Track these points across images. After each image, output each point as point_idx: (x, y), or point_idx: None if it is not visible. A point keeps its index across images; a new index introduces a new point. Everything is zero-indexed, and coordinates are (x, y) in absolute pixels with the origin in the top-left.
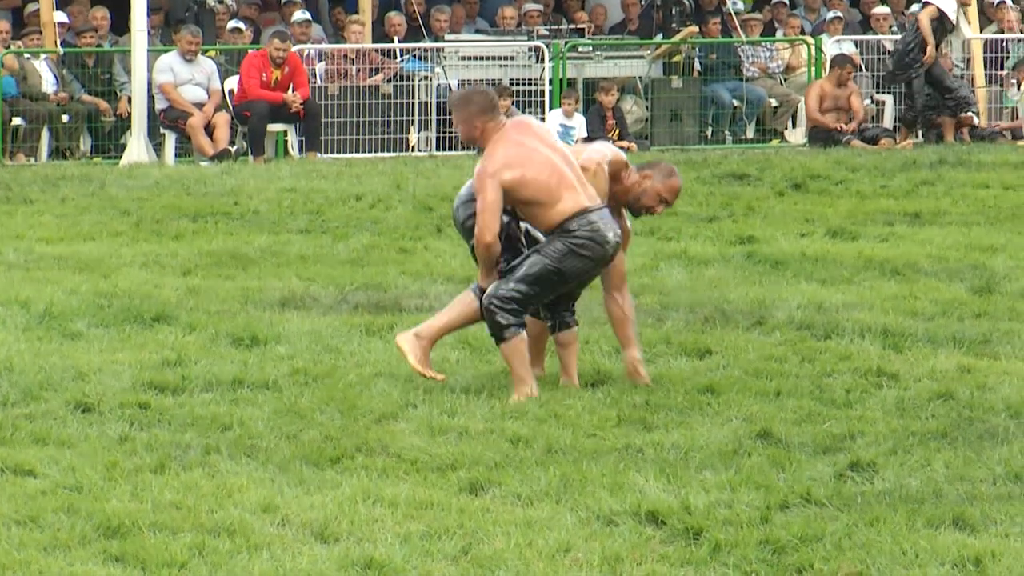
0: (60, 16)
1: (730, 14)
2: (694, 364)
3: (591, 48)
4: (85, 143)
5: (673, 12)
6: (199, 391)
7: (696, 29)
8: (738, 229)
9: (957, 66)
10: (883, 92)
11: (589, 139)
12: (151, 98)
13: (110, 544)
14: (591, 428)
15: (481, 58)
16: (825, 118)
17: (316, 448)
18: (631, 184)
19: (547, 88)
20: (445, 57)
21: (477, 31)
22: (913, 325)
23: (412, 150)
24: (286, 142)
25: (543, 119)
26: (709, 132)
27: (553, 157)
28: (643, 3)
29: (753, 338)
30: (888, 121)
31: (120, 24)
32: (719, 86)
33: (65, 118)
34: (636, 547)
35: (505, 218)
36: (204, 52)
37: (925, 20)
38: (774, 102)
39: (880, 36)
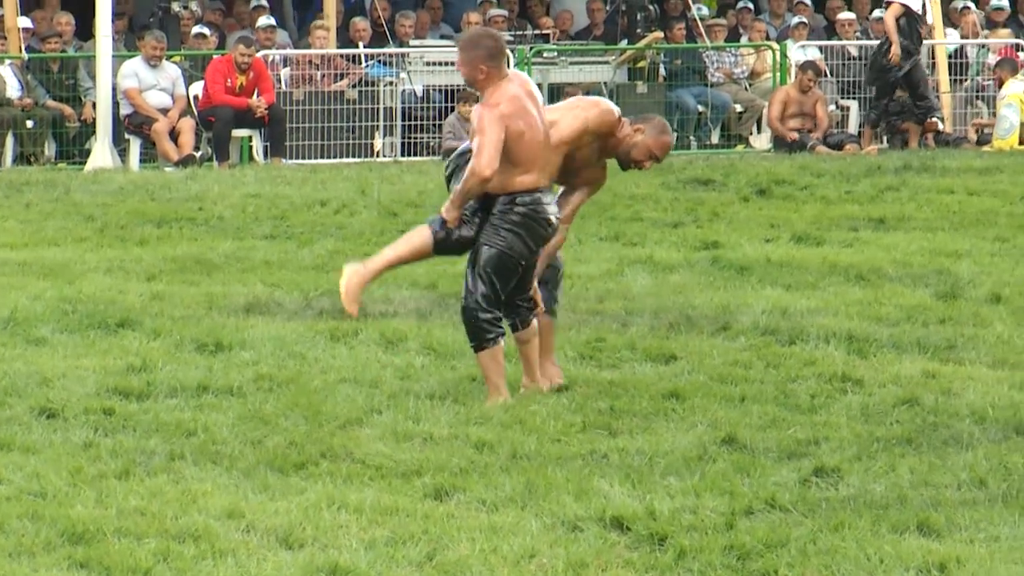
0: (24, 21)
1: (695, 19)
2: (659, 370)
3: (556, 54)
4: (50, 148)
5: (638, 18)
6: (164, 397)
7: (661, 35)
8: (703, 234)
9: None
10: (848, 98)
11: None
12: (116, 103)
13: (75, 550)
14: (556, 434)
15: (446, 64)
16: (787, 125)
17: (281, 454)
18: (623, 136)
19: None
20: (410, 63)
21: (442, 36)
22: (878, 330)
23: (377, 155)
24: (251, 148)
25: None
26: (674, 138)
27: (542, 126)
28: (608, 9)
29: (718, 344)
30: (853, 127)
31: (85, 29)
32: (684, 91)
33: (30, 123)
34: (601, 553)
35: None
36: (169, 57)
37: (890, 19)
38: (739, 107)
39: (845, 42)
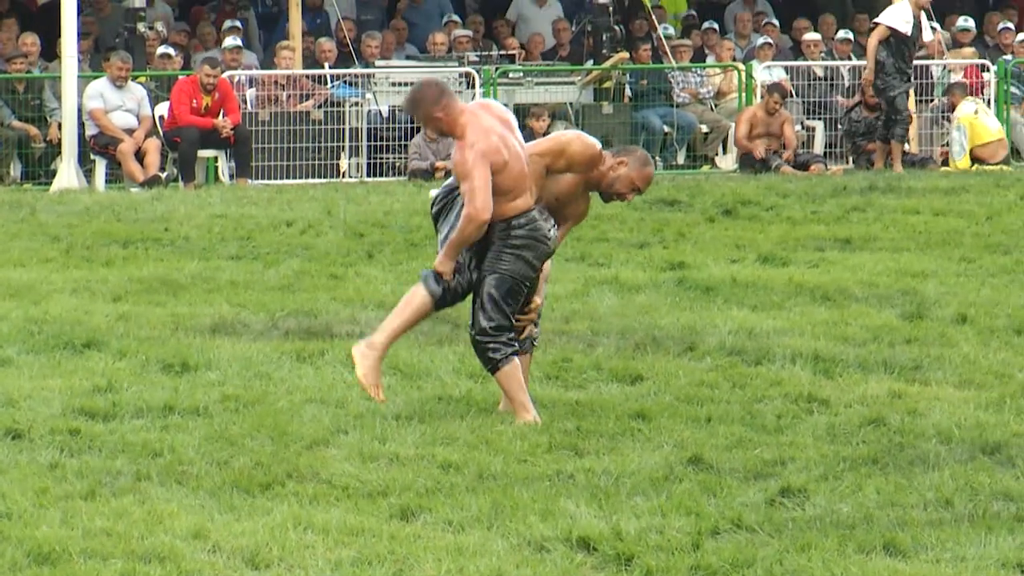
0: None
1: (660, 39)
2: (625, 390)
3: (522, 74)
4: (15, 169)
5: (604, 38)
6: (130, 417)
7: (627, 55)
8: (669, 255)
9: None
10: (814, 118)
11: None
12: (81, 124)
13: (40, 571)
14: (522, 454)
15: (412, 84)
16: (754, 144)
17: (247, 474)
18: (606, 169)
19: None
20: (376, 83)
21: (408, 57)
22: (844, 351)
23: (343, 176)
24: (216, 168)
25: None
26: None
27: (521, 151)
28: (574, 29)
29: (684, 364)
30: (819, 147)
31: (50, 50)
32: (650, 112)
33: None
34: (567, 573)
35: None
36: (134, 78)
37: (872, 42)
38: (705, 128)
39: (811, 62)
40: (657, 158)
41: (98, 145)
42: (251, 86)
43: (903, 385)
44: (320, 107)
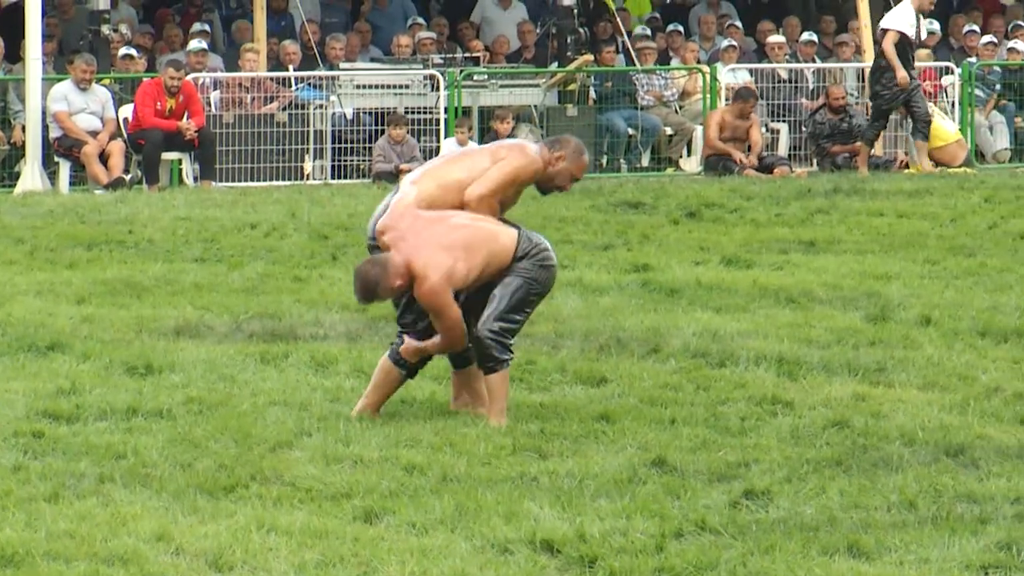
0: None
1: (626, 40)
2: (589, 392)
3: (486, 76)
4: None
5: (568, 41)
6: (93, 420)
7: (591, 57)
8: (633, 257)
9: (851, 95)
10: (778, 120)
11: None
12: (45, 126)
13: (3, 573)
14: (486, 456)
15: (376, 86)
16: (728, 147)
17: (210, 477)
18: (544, 166)
19: (442, 116)
20: (340, 85)
21: (372, 59)
22: (808, 353)
23: (307, 178)
24: (181, 170)
25: (438, 147)
26: (604, 160)
27: (458, 220)
28: (539, 31)
29: (648, 366)
30: (783, 149)
31: (13, 52)
32: (614, 114)
33: None
34: (531, 575)
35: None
36: (99, 80)
37: (889, 47)
38: (669, 130)
39: (775, 65)
40: (622, 160)
41: (62, 147)
42: (215, 88)
43: (867, 387)
44: (284, 109)
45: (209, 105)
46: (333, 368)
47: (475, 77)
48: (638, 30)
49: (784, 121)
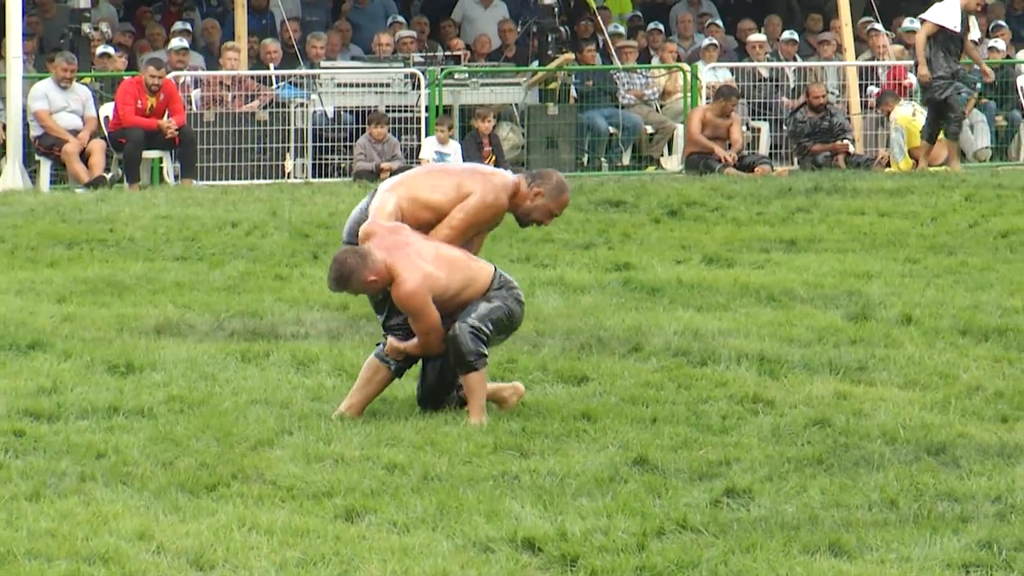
0: None
1: (607, 39)
2: (570, 391)
3: (467, 75)
4: None
5: (549, 39)
6: (75, 418)
7: (572, 56)
8: (614, 256)
9: (832, 93)
10: (759, 119)
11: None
12: (26, 125)
13: None
14: (467, 455)
15: (357, 85)
16: (713, 143)
17: (192, 475)
18: (521, 198)
19: (423, 115)
20: (321, 84)
21: (353, 58)
22: (789, 352)
23: (288, 177)
24: (161, 169)
25: (419, 146)
26: (585, 159)
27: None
28: (519, 30)
29: (629, 365)
30: (764, 148)
31: None
32: (595, 113)
33: None
34: (512, 574)
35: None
36: (79, 79)
37: (920, 38)
38: (650, 129)
39: (756, 63)
40: (602, 159)
41: (43, 146)
42: (196, 87)
43: (848, 386)
44: (265, 108)
45: (190, 103)
46: (314, 367)
47: (456, 76)
48: (611, 28)
49: (765, 120)
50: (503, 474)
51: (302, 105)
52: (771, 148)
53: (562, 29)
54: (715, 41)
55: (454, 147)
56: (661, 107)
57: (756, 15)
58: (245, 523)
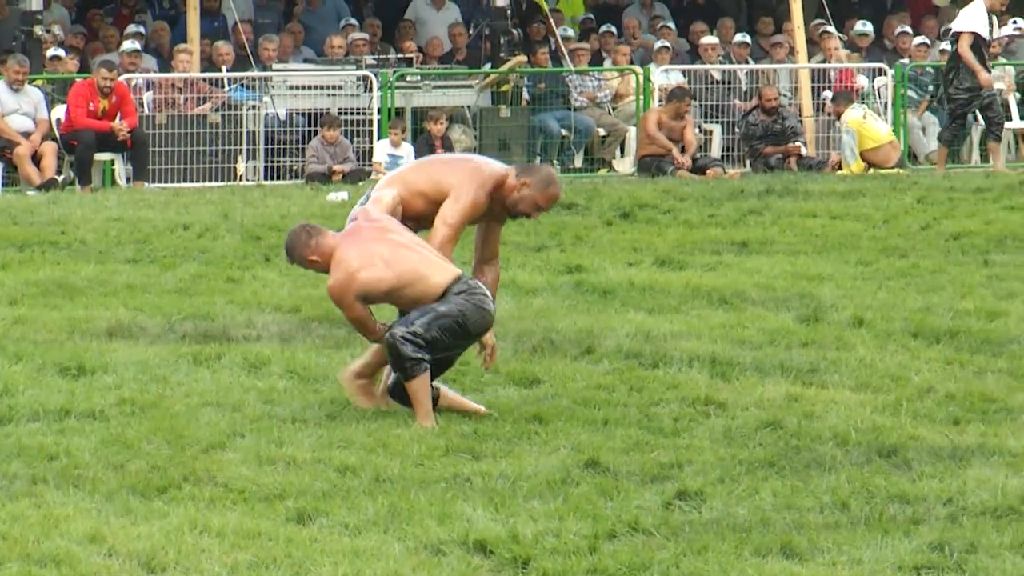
0: None
1: (559, 42)
2: (522, 393)
3: (419, 77)
4: None
5: (501, 41)
6: (26, 421)
7: (524, 59)
8: (566, 258)
9: (784, 96)
10: (711, 122)
11: None
12: None
13: None
14: (419, 457)
15: (309, 87)
16: (664, 140)
17: (143, 478)
18: (508, 190)
19: (375, 117)
20: (273, 86)
21: (305, 60)
22: (741, 354)
23: (240, 179)
24: (113, 171)
25: (371, 148)
26: (537, 161)
27: (402, 243)
28: (471, 33)
29: (581, 367)
30: (716, 151)
31: None
32: (547, 115)
33: None
34: None
35: None
36: (31, 81)
37: (965, 49)
38: (602, 131)
39: (708, 66)
40: (555, 161)
41: None
42: (148, 89)
43: (800, 388)
44: (217, 110)
45: (142, 106)
46: (266, 369)
47: (408, 78)
48: (560, 31)
49: (717, 122)
50: (455, 476)
51: (254, 107)
52: (723, 151)
53: (514, 32)
54: (667, 43)
55: (407, 149)
56: (613, 110)
57: (708, 18)
58: (197, 525)
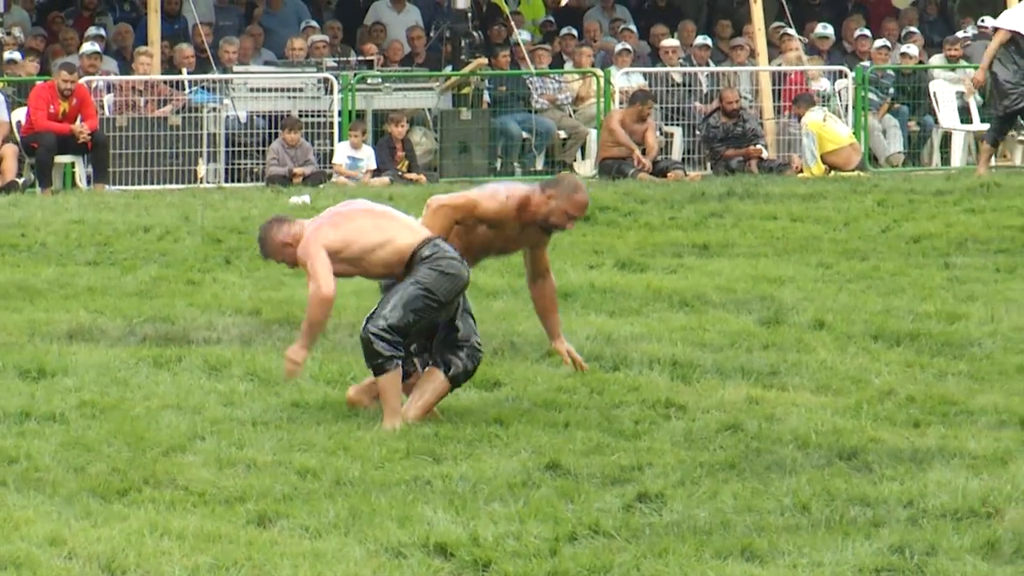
0: None
1: (518, 44)
2: (483, 396)
3: (380, 80)
4: None
5: (462, 44)
6: None
7: (485, 61)
8: None
9: (745, 98)
10: (672, 124)
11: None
12: None
13: None
14: (380, 460)
15: (270, 90)
16: (615, 153)
17: (103, 481)
18: (536, 204)
19: (336, 120)
20: (234, 89)
21: (266, 63)
22: (701, 356)
23: (200, 182)
24: (74, 174)
25: (332, 151)
26: (498, 164)
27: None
28: (432, 35)
29: (542, 370)
30: (677, 153)
31: None
32: (508, 118)
33: None
34: None
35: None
36: None
37: (993, 44)
38: (563, 134)
39: (669, 68)
40: (516, 164)
41: None
42: (109, 91)
43: (760, 391)
44: (178, 112)
45: (102, 108)
46: (226, 372)
47: (369, 80)
48: (515, 35)
49: (678, 125)
50: (415, 479)
51: (215, 110)
52: (684, 153)
53: (475, 34)
54: (628, 46)
55: (367, 152)
56: (574, 112)
57: (669, 20)
58: (157, 528)
